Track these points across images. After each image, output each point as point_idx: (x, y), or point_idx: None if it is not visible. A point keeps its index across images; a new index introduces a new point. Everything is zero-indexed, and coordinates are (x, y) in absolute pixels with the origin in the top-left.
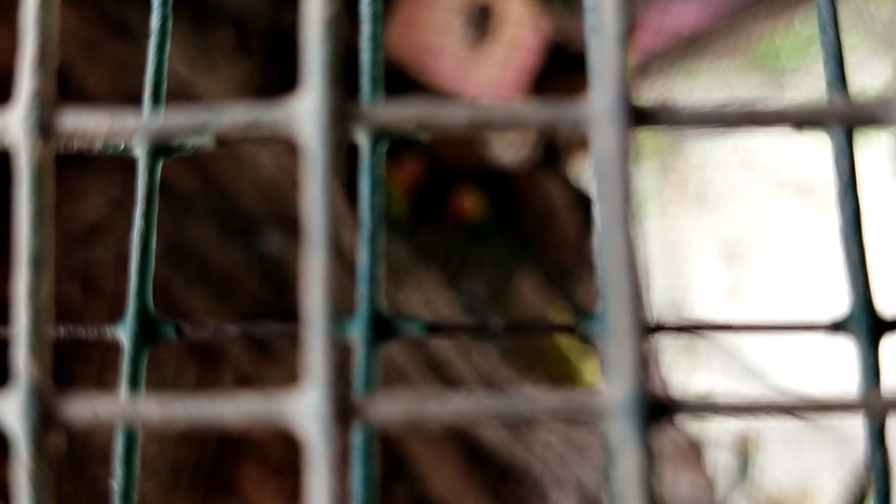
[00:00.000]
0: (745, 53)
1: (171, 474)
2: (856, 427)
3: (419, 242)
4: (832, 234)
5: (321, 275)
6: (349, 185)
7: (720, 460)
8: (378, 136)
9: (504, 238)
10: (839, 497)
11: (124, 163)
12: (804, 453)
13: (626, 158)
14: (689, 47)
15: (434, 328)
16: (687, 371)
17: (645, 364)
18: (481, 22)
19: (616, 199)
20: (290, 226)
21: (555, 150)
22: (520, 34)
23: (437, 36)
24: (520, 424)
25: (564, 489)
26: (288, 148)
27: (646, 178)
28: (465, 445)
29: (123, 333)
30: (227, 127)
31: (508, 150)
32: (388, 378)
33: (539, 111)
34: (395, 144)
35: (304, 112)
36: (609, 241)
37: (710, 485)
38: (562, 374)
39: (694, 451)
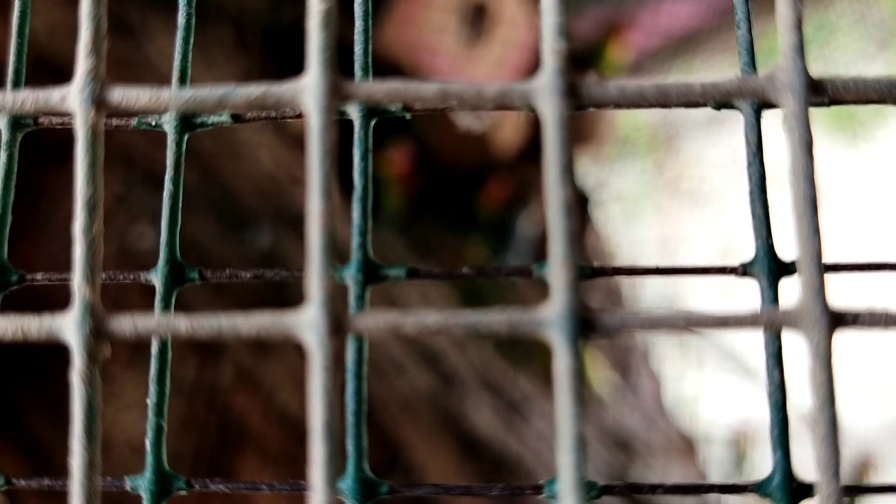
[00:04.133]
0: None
1: (170, 463)
2: (850, 422)
3: (415, 237)
4: (829, 230)
5: (318, 215)
6: (344, 182)
7: (713, 455)
8: (368, 112)
9: (499, 232)
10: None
11: (126, 158)
12: (797, 449)
13: (562, 124)
14: (681, 46)
15: (414, 273)
16: (680, 366)
17: (577, 288)
18: (476, 21)
19: (556, 155)
20: (289, 221)
21: None
22: (515, 33)
23: (433, 34)
24: (477, 337)
25: None
26: (286, 144)
27: (640, 175)
28: (460, 437)
29: (156, 277)
30: (243, 99)
31: (474, 121)
32: (385, 370)
33: (495, 87)
34: (400, 145)
35: (305, 86)
36: (552, 191)
37: (701, 478)
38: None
39: (686, 444)
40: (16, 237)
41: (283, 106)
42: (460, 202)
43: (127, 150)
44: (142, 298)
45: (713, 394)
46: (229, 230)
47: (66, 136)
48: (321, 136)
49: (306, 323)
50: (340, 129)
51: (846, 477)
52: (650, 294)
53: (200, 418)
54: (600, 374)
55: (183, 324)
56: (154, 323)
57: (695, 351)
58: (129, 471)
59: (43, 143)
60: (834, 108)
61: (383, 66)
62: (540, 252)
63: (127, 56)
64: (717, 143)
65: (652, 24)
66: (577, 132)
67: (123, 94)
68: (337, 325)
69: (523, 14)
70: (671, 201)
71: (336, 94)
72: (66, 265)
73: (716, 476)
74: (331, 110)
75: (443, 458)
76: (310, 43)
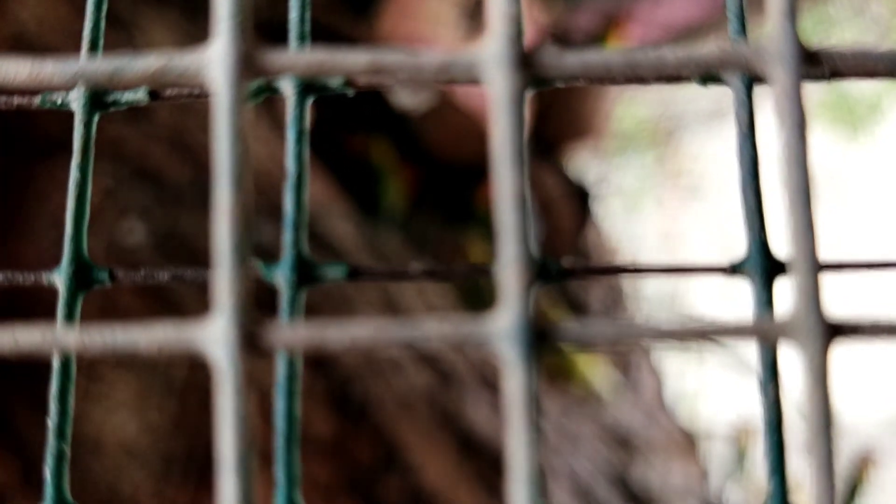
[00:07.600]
0: None
1: (162, 465)
2: (849, 419)
3: (413, 233)
4: (825, 226)
5: (227, 208)
6: (340, 178)
7: (715, 452)
8: (304, 88)
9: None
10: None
11: (115, 152)
12: (798, 446)
13: (514, 100)
14: (681, 39)
15: (356, 273)
16: (680, 362)
17: (530, 294)
18: (476, 13)
19: (507, 138)
20: (282, 216)
21: (550, 141)
22: None
23: (432, 26)
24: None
25: (557, 479)
26: (281, 138)
27: (641, 169)
28: (458, 435)
29: (59, 278)
30: (140, 72)
31: (411, 96)
32: (382, 368)
33: (436, 58)
34: (400, 145)
35: (212, 58)
36: (501, 179)
37: (702, 475)
38: (555, 367)
39: (687, 441)
40: (6, 234)
41: (189, 81)
42: (459, 198)
43: (116, 145)
44: (139, 299)
45: (714, 390)
46: None
47: (52, 130)
48: (230, 116)
49: (212, 337)
50: (326, 107)
51: (845, 478)
52: (651, 290)
53: (193, 419)
54: (600, 370)
55: (72, 338)
56: (38, 337)
57: (695, 347)
58: (121, 472)
59: (29, 137)
60: (830, 104)
61: None
62: (542, 248)
63: (118, 48)
64: (719, 138)
65: (652, 17)
66: (575, 126)
67: (3, 68)
68: (250, 340)
69: (524, 6)
70: (672, 196)
71: (248, 66)
72: (56, 261)
73: (717, 473)
74: (242, 86)
75: (441, 457)
76: (218, 6)
